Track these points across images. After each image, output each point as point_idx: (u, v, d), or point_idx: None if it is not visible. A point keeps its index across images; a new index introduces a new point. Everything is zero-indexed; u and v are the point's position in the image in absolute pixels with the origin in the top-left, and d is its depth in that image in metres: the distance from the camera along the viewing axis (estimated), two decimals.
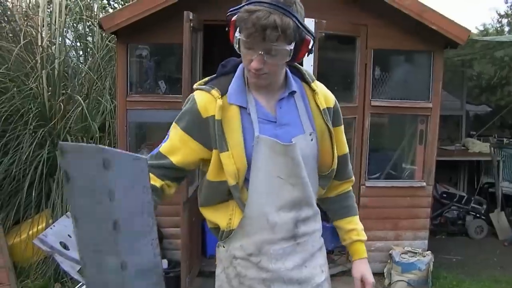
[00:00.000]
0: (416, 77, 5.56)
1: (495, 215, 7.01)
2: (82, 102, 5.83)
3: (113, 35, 5.50)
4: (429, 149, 5.43)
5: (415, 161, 5.59)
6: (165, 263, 5.02)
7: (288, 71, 2.11)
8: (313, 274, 2.19)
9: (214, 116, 1.99)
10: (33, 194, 5.45)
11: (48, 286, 5.10)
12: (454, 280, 5.48)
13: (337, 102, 2.21)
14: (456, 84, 8.37)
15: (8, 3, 7.53)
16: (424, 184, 5.47)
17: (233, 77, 2.09)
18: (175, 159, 2.04)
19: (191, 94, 2.10)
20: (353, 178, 2.40)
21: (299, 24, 1.89)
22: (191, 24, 4.50)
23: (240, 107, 2.04)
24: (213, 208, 2.15)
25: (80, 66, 6.75)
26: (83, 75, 6.56)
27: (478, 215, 7.04)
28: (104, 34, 6.57)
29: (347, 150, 2.31)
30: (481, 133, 8.29)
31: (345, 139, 2.28)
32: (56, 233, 3.88)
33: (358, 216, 2.36)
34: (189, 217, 4.74)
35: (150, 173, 1.71)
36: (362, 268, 2.31)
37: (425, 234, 5.57)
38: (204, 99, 2.02)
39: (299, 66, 2.16)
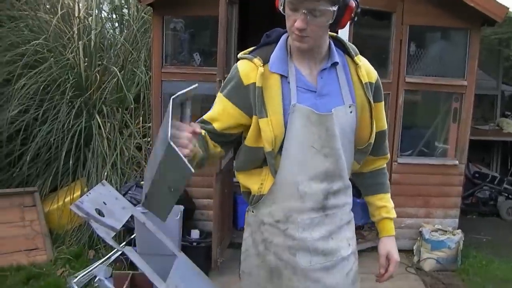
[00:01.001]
0: (452, 54, 5.49)
1: None
2: (118, 73, 5.89)
3: (148, 7, 5.53)
4: (463, 128, 5.39)
5: (448, 139, 5.54)
6: (196, 233, 5.09)
7: (332, 43, 2.13)
8: (340, 246, 2.20)
9: (255, 83, 2.04)
10: (70, 162, 5.56)
11: (83, 252, 5.20)
12: (483, 259, 5.45)
13: (379, 78, 2.23)
14: (492, 63, 8.24)
15: None
16: (457, 162, 5.44)
17: (275, 46, 2.13)
18: (216, 124, 2.11)
19: (235, 64, 2.15)
20: (388, 155, 2.40)
21: None
22: None
23: (281, 75, 2.08)
24: (247, 173, 2.21)
25: (116, 37, 6.80)
26: (118, 47, 6.60)
27: (510, 196, 6.97)
28: (139, 6, 6.60)
29: (385, 126, 2.31)
30: None
31: (384, 116, 2.29)
32: (92, 200, 3.97)
33: (389, 194, 2.39)
34: (221, 189, 4.80)
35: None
36: (388, 246, 2.35)
37: (456, 213, 5.55)
38: (247, 67, 2.09)
39: (343, 39, 2.17)
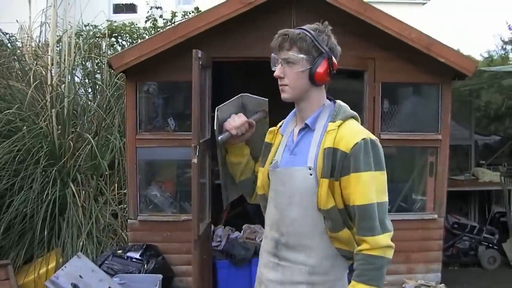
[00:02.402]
0: (425, 109, 5.56)
1: (508, 244, 6.92)
2: (92, 140, 5.85)
3: (122, 73, 5.54)
4: (440, 181, 5.41)
5: (426, 193, 5.55)
6: None
7: (329, 107, 2.31)
8: None
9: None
10: (44, 232, 5.43)
11: None
12: None
13: (360, 148, 2.12)
14: (464, 113, 8.36)
15: (18, 42, 7.63)
16: (436, 216, 5.44)
17: None
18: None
19: None
20: (371, 238, 2.10)
21: (316, 42, 2.20)
22: (200, 62, 4.52)
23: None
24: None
25: (89, 104, 6.78)
26: (92, 113, 6.59)
27: (490, 245, 6.95)
28: (112, 72, 6.60)
29: (360, 202, 2.12)
30: (490, 162, 8.25)
31: (362, 190, 2.12)
32: (68, 274, 3.87)
33: (366, 286, 2.08)
34: (200, 255, 4.71)
35: None
36: None
37: (438, 267, 5.52)
38: (274, 128, 2.52)
39: (338, 103, 2.32)
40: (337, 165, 2.14)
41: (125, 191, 5.75)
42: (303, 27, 2.24)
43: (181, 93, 5.44)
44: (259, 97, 2.55)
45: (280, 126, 2.46)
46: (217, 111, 2.45)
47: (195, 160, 4.44)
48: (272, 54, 2.29)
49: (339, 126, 2.20)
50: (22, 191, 5.56)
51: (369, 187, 2.12)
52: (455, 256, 6.93)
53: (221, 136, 2.43)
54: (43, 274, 5.21)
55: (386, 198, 2.18)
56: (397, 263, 5.39)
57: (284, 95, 2.28)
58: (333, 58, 2.23)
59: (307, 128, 2.28)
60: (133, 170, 5.25)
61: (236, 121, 2.42)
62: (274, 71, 2.28)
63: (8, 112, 5.89)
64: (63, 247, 5.48)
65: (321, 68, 2.20)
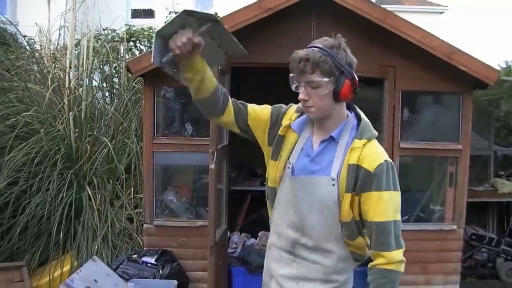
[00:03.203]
0: (445, 118, 5.49)
1: None
2: (109, 144, 5.84)
3: (140, 78, 5.53)
4: (459, 192, 5.33)
5: (445, 203, 5.47)
6: None
7: (352, 121, 2.37)
8: None
9: (280, 127, 2.43)
10: (60, 235, 5.41)
11: None
12: None
13: (383, 170, 2.25)
14: (483, 123, 8.25)
15: (36, 45, 7.66)
16: (455, 227, 5.36)
17: None
18: (251, 109, 2.48)
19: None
20: (388, 253, 2.25)
21: (337, 62, 2.21)
22: (219, 67, 4.50)
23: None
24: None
25: (107, 107, 6.78)
26: (109, 117, 6.58)
27: (509, 257, 6.87)
28: (130, 76, 6.60)
29: (382, 219, 2.25)
30: (510, 173, 8.13)
31: (382, 208, 2.26)
32: (83, 278, 3.85)
33: None
34: (216, 261, 4.68)
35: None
36: None
37: (456, 279, 5.43)
38: (291, 113, 2.46)
39: (363, 120, 2.36)
40: (360, 181, 2.26)
41: (141, 195, 5.74)
42: (318, 45, 2.23)
43: None
44: (204, 12, 2.30)
45: (288, 120, 2.44)
46: (156, 33, 2.26)
47: (212, 166, 4.42)
48: (291, 75, 2.29)
49: (364, 145, 2.29)
50: (39, 193, 5.55)
51: (388, 206, 2.27)
52: (472, 268, 6.85)
53: (165, 58, 2.29)
54: (58, 277, 5.21)
55: (400, 217, 2.32)
56: (415, 274, 5.33)
57: (309, 115, 2.33)
58: (355, 76, 2.26)
59: (329, 140, 2.34)
60: (149, 175, 5.24)
61: (179, 39, 2.16)
62: (294, 87, 2.31)
63: (26, 114, 5.92)
64: (78, 250, 5.47)
65: (345, 88, 2.24)
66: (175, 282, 4.69)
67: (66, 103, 6.22)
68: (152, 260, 5.01)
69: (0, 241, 5.62)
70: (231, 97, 2.47)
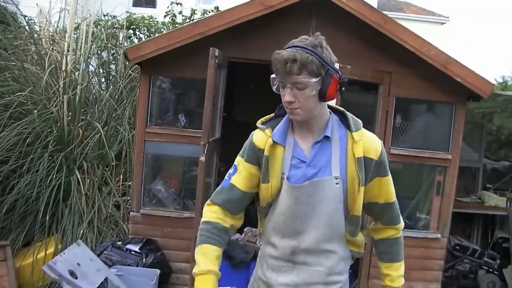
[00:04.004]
0: (437, 127, 5.51)
1: (508, 271, 6.83)
2: (101, 129, 5.83)
3: (136, 66, 5.53)
4: (446, 201, 5.37)
5: (431, 212, 5.50)
6: None
7: (333, 117, 2.35)
8: None
9: (263, 150, 2.33)
10: (46, 217, 5.41)
11: None
12: None
13: (384, 154, 2.34)
14: (475, 136, 8.29)
15: (36, 26, 7.64)
16: (439, 236, 5.40)
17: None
18: (243, 187, 2.40)
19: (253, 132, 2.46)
20: (400, 225, 2.51)
21: (323, 62, 2.17)
22: (216, 61, 4.52)
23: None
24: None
25: (102, 93, 6.77)
26: (103, 103, 6.57)
27: (490, 270, 6.89)
28: (127, 63, 6.61)
29: (393, 199, 2.43)
30: (497, 186, 8.18)
31: (390, 189, 2.41)
32: (66, 261, 3.84)
33: (400, 263, 2.50)
34: None
35: (224, 209, 2.40)
36: None
37: (436, 287, 5.47)
38: (260, 136, 2.37)
39: (347, 113, 2.36)
40: (367, 171, 2.29)
41: (129, 183, 5.75)
42: (301, 45, 2.17)
43: (194, 90, 5.42)
44: None
45: (265, 134, 2.37)
46: None
47: (202, 158, 4.44)
48: (272, 76, 2.23)
49: (361, 136, 2.30)
50: (28, 174, 5.56)
51: (393, 186, 2.42)
52: (454, 278, 6.88)
53: None
54: (41, 259, 5.21)
55: None
56: None
57: (295, 117, 2.26)
58: (339, 73, 2.24)
59: (323, 140, 2.30)
60: (139, 163, 5.24)
61: None
62: (276, 89, 2.26)
63: (21, 94, 5.90)
64: (63, 233, 5.47)
65: (331, 88, 2.21)
66: (158, 271, 4.69)
67: (62, 86, 6.20)
68: (136, 248, 5.01)
69: None
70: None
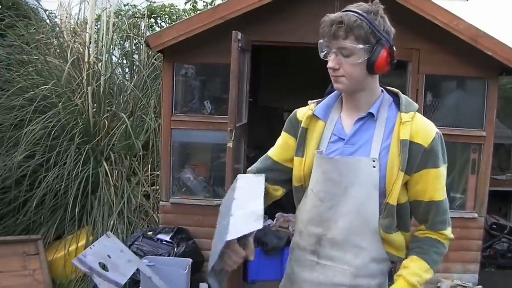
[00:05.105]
0: (469, 104, 5.36)
1: None
2: (127, 120, 5.80)
3: (159, 54, 5.47)
4: (482, 180, 5.22)
5: (466, 191, 5.36)
6: (205, 287, 4.89)
7: (385, 96, 2.16)
8: None
9: (302, 122, 2.22)
10: (75, 210, 5.41)
11: None
12: None
13: (437, 143, 2.09)
14: (508, 112, 8.10)
15: (57, 19, 7.62)
16: (476, 215, 5.26)
17: None
18: (276, 156, 2.34)
19: None
20: (446, 232, 2.14)
21: (374, 29, 1.99)
22: (239, 44, 4.42)
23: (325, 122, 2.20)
24: None
25: (126, 83, 6.73)
26: (128, 93, 6.54)
27: None
28: (150, 52, 6.56)
29: (440, 197, 2.10)
30: None
31: (439, 186, 2.10)
32: (96, 253, 3.76)
33: (427, 265, 2.10)
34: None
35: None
36: None
37: (475, 268, 5.35)
38: (303, 109, 2.29)
39: (401, 94, 2.17)
40: (413, 159, 2.04)
41: (158, 172, 5.71)
42: (353, 8, 2.00)
43: (218, 76, 5.34)
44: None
45: (308, 108, 2.26)
46: (211, 272, 2.01)
47: (230, 144, 4.36)
48: (320, 41, 2.05)
49: (412, 118, 2.07)
50: (56, 167, 5.55)
51: (443, 182, 2.12)
52: (492, 257, 6.72)
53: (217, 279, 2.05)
54: (73, 251, 5.22)
55: None
56: None
57: (339, 86, 2.07)
58: (393, 46, 2.05)
59: (367, 118, 2.11)
60: (167, 152, 5.19)
61: (233, 261, 1.98)
62: (325, 60, 2.06)
63: (45, 88, 5.91)
64: (93, 225, 5.46)
65: (381, 58, 2.01)
66: (190, 260, 4.63)
67: (85, 77, 6.19)
68: (167, 237, 4.97)
69: (16, 214, 5.63)
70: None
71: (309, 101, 2.31)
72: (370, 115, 2.10)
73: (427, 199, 2.08)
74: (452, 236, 2.16)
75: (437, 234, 2.12)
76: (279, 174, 2.33)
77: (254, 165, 2.41)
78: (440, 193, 2.10)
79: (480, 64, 5.07)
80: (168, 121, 5.15)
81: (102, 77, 6.18)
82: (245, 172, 2.48)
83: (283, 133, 2.33)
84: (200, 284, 4.89)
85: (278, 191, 2.37)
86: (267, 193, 2.27)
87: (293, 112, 2.33)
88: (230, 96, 4.40)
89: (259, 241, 5.41)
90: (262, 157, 2.39)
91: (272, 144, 2.40)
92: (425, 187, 2.07)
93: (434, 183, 2.08)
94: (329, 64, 2.03)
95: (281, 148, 2.32)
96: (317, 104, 2.24)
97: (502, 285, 6.04)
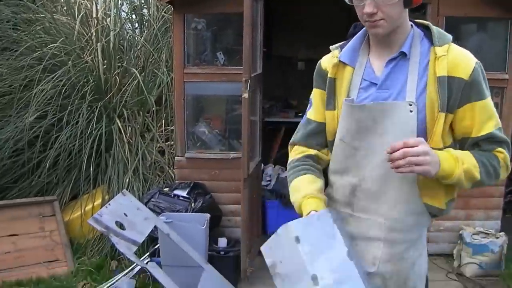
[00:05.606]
0: (491, 46, 5.17)
1: None
2: (138, 75, 5.69)
3: (169, 6, 5.32)
4: (505, 123, 5.06)
5: None
6: (223, 241, 4.85)
7: (415, 30, 1.97)
8: (361, 259, 2.02)
9: (329, 72, 2.07)
10: (90, 169, 5.37)
11: (104, 263, 4.99)
12: None
13: (478, 73, 1.91)
14: None
15: None
16: None
17: None
18: (317, 118, 2.17)
19: None
20: (503, 152, 1.96)
21: None
22: None
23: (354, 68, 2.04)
24: None
25: (136, 38, 6.59)
26: (139, 48, 6.41)
27: None
28: (159, 5, 6.41)
29: (489, 129, 1.93)
30: None
31: (490, 116, 1.94)
32: (112, 212, 3.68)
33: (474, 160, 1.90)
34: (250, 194, 4.55)
35: (305, 145, 2.19)
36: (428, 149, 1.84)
37: (498, 214, 5.23)
38: (327, 58, 2.13)
39: (431, 25, 1.98)
40: (454, 95, 1.89)
41: (172, 127, 5.60)
42: None
43: (231, 26, 5.18)
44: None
45: (333, 55, 2.10)
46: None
47: (246, 95, 4.23)
48: None
49: (447, 51, 1.91)
50: (68, 127, 5.49)
51: (492, 112, 1.94)
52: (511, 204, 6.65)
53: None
54: (89, 211, 5.19)
55: None
56: (455, 209, 5.10)
57: (378, 31, 1.90)
58: None
59: (399, 58, 1.96)
60: (180, 106, 5.07)
61: None
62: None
63: (53, 46, 5.79)
64: (109, 184, 5.41)
65: None
66: (208, 215, 4.57)
67: (94, 33, 6.07)
68: (184, 193, 4.90)
69: (31, 176, 5.60)
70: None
71: (331, 47, 2.14)
72: (402, 54, 1.95)
73: (474, 134, 1.94)
74: (509, 162, 1.98)
75: (493, 151, 1.95)
76: (324, 137, 2.18)
77: (296, 135, 2.24)
78: (491, 125, 1.93)
79: (503, 4, 4.86)
80: (181, 75, 5.01)
81: (111, 32, 6.03)
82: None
83: (314, 90, 2.18)
84: (219, 239, 4.85)
85: (328, 155, 2.20)
86: (321, 161, 2.20)
87: (318, 63, 2.17)
88: (244, 45, 4.25)
89: (277, 194, 5.34)
90: (302, 124, 2.23)
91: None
92: (472, 122, 1.93)
93: (482, 117, 1.92)
94: (366, 10, 1.85)
95: (318, 107, 2.16)
96: (341, 49, 2.08)
97: None
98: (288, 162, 2.23)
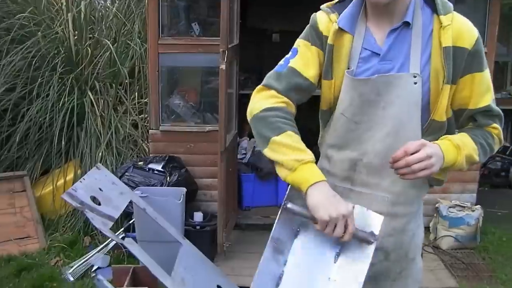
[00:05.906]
0: (470, 19, 5.15)
1: None
2: (111, 46, 5.58)
3: None
4: None
5: None
6: (199, 215, 4.79)
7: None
8: None
9: (327, 37, 1.94)
10: (62, 143, 5.24)
11: (78, 239, 4.92)
12: (503, 235, 5.20)
13: (480, 43, 1.87)
14: (503, 30, 7.91)
15: None
16: None
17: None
18: (307, 72, 1.98)
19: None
20: (498, 128, 1.96)
21: None
22: None
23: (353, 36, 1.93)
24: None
25: (108, 8, 6.45)
26: (110, 18, 6.26)
27: None
28: None
29: (487, 102, 1.90)
30: None
31: (487, 88, 1.91)
32: (87, 187, 3.55)
33: (473, 142, 1.89)
34: (226, 168, 4.49)
35: (286, 96, 1.94)
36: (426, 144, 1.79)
37: (474, 187, 5.28)
38: (324, 19, 1.98)
39: None
40: (457, 65, 1.84)
41: (146, 100, 5.51)
42: None
43: None
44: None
45: (330, 19, 1.96)
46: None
47: (223, 66, 4.14)
48: None
49: (451, 20, 1.83)
50: (38, 99, 5.35)
51: (488, 85, 1.92)
52: (486, 177, 6.69)
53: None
54: (61, 186, 5.11)
55: None
56: None
57: (380, 0, 1.82)
58: None
59: (402, 26, 1.87)
60: (155, 78, 4.96)
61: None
62: None
63: (21, 16, 5.63)
64: (81, 158, 5.31)
65: None
66: (184, 189, 4.50)
67: (64, 3, 5.91)
68: (159, 167, 4.82)
69: (0, 150, 5.46)
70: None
71: (324, 7, 2.01)
72: (405, 24, 1.87)
73: (471, 106, 1.91)
74: (502, 136, 1.98)
75: (488, 128, 1.94)
76: (306, 95, 2.03)
77: (274, 82, 1.98)
78: (488, 97, 1.91)
79: None
80: (155, 46, 4.89)
81: (82, 2, 5.88)
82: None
83: (305, 42, 2.00)
84: (195, 213, 4.79)
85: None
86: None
87: (311, 23, 2.01)
88: (221, 16, 4.15)
89: (252, 167, 5.30)
90: (282, 72, 1.97)
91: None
92: (470, 93, 1.89)
93: (480, 89, 1.89)
94: None
95: (311, 62, 1.98)
96: (337, 14, 1.95)
97: (495, 202, 6.02)
98: (262, 103, 1.94)
